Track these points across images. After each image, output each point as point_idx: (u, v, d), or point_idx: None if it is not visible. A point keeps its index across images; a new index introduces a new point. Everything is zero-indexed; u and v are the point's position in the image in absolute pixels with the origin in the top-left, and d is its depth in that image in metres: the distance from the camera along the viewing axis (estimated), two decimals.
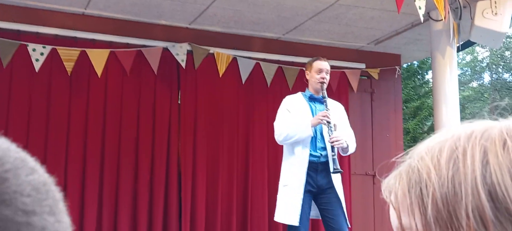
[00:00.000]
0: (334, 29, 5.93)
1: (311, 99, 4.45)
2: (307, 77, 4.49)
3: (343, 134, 4.27)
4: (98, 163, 5.39)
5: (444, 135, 0.63)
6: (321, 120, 4.22)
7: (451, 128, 0.65)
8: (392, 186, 0.64)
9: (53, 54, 5.25)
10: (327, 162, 4.28)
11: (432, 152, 0.61)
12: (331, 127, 4.19)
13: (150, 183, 5.53)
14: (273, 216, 5.84)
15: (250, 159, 5.93)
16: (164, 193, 5.56)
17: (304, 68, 4.63)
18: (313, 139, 4.31)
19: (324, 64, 4.41)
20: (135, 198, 5.48)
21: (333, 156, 4.19)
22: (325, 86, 4.37)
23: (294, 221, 4.14)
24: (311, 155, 4.27)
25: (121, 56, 5.46)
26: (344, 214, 4.27)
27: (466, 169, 0.57)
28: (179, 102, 5.82)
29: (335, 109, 4.43)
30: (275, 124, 4.38)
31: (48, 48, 5.21)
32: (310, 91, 4.47)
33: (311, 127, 4.21)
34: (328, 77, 4.42)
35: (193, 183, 5.68)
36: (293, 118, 4.29)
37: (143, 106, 5.61)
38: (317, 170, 4.27)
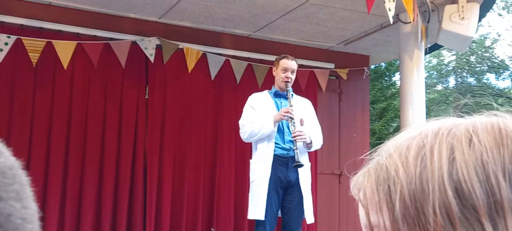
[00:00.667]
0: (305, 29, 5.95)
1: (277, 95, 4.50)
2: (274, 73, 4.55)
3: (309, 129, 4.33)
4: (62, 157, 5.29)
5: (412, 132, 0.63)
6: (283, 115, 4.28)
7: (418, 125, 0.65)
8: (361, 183, 0.64)
9: (18, 45, 5.12)
10: (294, 157, 4.31)
11: (400, 149, 0.61)
12: (294, 123, 4.24)
13: (115, 178, 5.45)
14: (239, 213, 5.87)
15: (218, 156, 5.90)
16: (129, 188, 5.49)
17: (273, 66, 4.64)
18: (282, 134, 4.35)
19: (290, 64, 4.44)
20: (99, 194, 5.39)
21: (295, 150, 4.22)
22: (289, 85, 4.41)
23: (260, 215, 4.18)
24: (280, 148, 4.31)
25: (88, 49, 5.36)
26: (303, 215, 4.31)
27: (433, 166, 0.57)
28: (146, 97, 5.75)
29: (302, 105, 4.48)
30: (240, 123, 4.44)
31: (13, 38, 5.08)
32: (275, 88, 4.52)
33: (274, 122, 4.26)
34: (293, 76, 4.47)
35: (159, 179, 5.62)
36: (256, 115, 4.34)
37: (110, 100, 5.52)
38: (288, 164, 4.30)
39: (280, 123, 4.33)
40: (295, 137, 4.20)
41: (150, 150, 5.64)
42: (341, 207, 6.45)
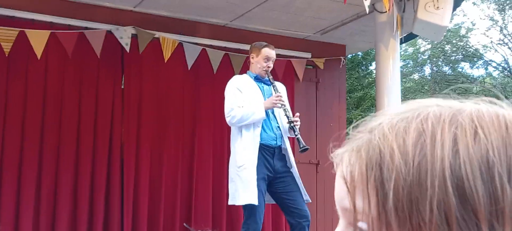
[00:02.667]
0: (282, 18, 5.94)
1: (257, 80, 4.44)
2: (252, 60, 4.46)
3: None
4: (37, 149, 5.22)
5: (409, 110, 0.56)
6: (275, 103, 4.23)
7: (414, 102, 0.58)
8: (348, 162, 0.56)
9: None
10: (280, 147, 4.28)
11: (396, 130, 0.54)
12: (286, 109, 4.22)
13: (91, 170, 5.40)
14: (217, 204, 5.85)
15: (195, 146, 5.88)
16: (105, 180, 5.45)
17: (249, 59, 4.56)
18: (267, 121, 4.30)
19: (272, 53, 4.42)
20: (75, 186, 5.33)
21: (297, 135, 4.18)
22: (269, 72, 4.40)
23: (253, 199, 4.06)
24: (267, 137, 4.25)
25: (62, 38, 5.27)
26: (302, 195, 4.29)
27: (434, 157, 0.51)
28: (122, 87, 5.70)
29: (282, 92, 4.44)
30: (227, 106, 4.28)
31: None
32: (254, 73, 4.45)
33: (264, 109, 4.21)
34: (272, 65, 4.45)
35: (136, 170, 5.58)
36: (245, 99, 4.25)
37: (85, 91, 5.46)
38: (274, 154, 4.26)
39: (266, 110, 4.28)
40: (294, 122, 4.19)
41: (127, 141, 5.59)
42: (319, 196, 6.48)
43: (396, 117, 0.55)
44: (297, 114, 4.32)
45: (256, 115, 4.17)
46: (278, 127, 4.32)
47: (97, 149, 5.44)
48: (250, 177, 4.12)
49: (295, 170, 4.33)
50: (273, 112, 4.35)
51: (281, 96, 4.26)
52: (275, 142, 4.27)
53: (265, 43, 4.51)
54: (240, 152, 4.24)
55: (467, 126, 0.53)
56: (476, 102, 0.56)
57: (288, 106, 4.32)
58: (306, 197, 4.34)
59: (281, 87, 4.53)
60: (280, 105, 4.24)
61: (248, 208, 4.14)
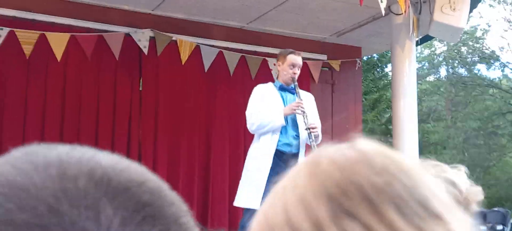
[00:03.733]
0: (297, 20, 5.97)
1: (282, 89, 4.44)
2: (279, 68, 4.47)
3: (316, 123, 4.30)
4: None
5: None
6: (295, 109, 4.23)
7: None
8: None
9: (11, 37, 5.11)
10: (297, 154, 4.27)
11: None
12: (306, 116, 4.22)
13: None
14: (233, 209, 5.89)
15: (211, 148, 5.93)
16: None
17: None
18: (285, 128, 4.30)
19: (298, 60, 4.41)
20: None
21: (311, 142, 4.17)
22: (295, 80, 4.39)
23: (255, 204, 4.07)
24: (284, 144, 4.26)
25: (81, 41, 5.36)
26: None
27: None
28: (140, 89, 5.77)
29: (307, 101, 4.44)
30: (247, 113, 4.34)
31: (6, 30, 5.07)
32: (280, 81, 4.46)
33: (284, 115, 4.22)
34: (299, 72, 4.43)
35: (153, 170, 5.56)
36: (265, 107, 4.27)
37: (103, 93, 5.53)
38: (287, 161, 4.23)
39: (286, 117, 4.28)
40: (311, 129, 4.17)
41: (144, 142, 5.66)
42: None
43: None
44: (315, 124, 4.27)
45: (275, 122, 4.20)
46: (297, 135, 4.32)
47: (115, 150, 5.47)
48: (256, 180, 4.14)
49: None
50: (295, 121, 4.34)
51: (302, 103, 4.25)
52: (290, 149, 4.28)
53: (291, 50, 4.52)
54: (252, 156, 4.30)
55: None
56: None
57: (309, 113, 4.28)
58: None
59: (307, 96, 4.52)
60: (300, 111, 4.23)
61: (252, 212, 4.14)
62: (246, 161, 4.42)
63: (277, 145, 4.24)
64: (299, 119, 4.33)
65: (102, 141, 5.46)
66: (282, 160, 4.23)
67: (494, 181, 28.44)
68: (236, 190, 5.84)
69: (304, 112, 4.23)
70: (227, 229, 5.89)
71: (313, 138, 4.18)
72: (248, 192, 4.20)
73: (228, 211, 5.89)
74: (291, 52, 4.44)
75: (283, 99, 4.39)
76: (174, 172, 5.73)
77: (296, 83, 4.38)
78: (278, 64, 4.49)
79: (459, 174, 1.21)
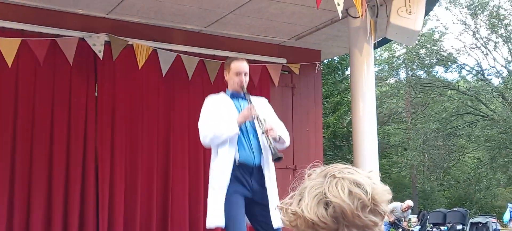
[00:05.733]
0: (256, 24, 5.94)
1: (234, 96, 4.27)
2: (226, 78, 4.29)
3: (275, 126, 4.13)
4: (8, 158, 5.11)
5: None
6: (247, 115, 4.06)
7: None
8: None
9: None
10: (260, 165, 4.10)
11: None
12: (260, 120, 4.09)
13: (65, 179, 5.31)
14: (194, 212, 5.80)
15: (170, 154, 5.83)
16: (80, 190, 5.35)
17: (225, 77, 4.46)
18: (247, 139, 4.14)
19: (242, 66, 4.21)
20: (49, 196, 5.23)
21: (270, 145, 3.98)
22: (245, 87, 4.21)
23: (220, 221, 3.94)
24: (246, 156, 4.07)
25: (33, 46, 5.19)
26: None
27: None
28: (96, 94, 5.63)
29: (260, 105, 4.25)
30: (200, 125, 4.13)
31: None
32: (230, 90, 4.28)
33: (239, 124, 4.04)
34: (247, 78, 4.24)
35: (111, 179, 5.50)
36: (218, 117, 4.08)
37: (58, 99, 5.37)
38: (252, 173, 4.08)
39: (243, 126, 4.10)
40: (267, 131, 3.99)
41: (101, 149, 5.52)
42: None
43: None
44: (271, 125, 4.12)
45: (229, 131, 4.01)
46: (258, 144, 4.15)
47: (70, 157, 5.36)
48: (219, 197, 3.98)
49: (272, 189, 4.12)
50: (253, 130, 4.17)
51: (253, 107, 4.08)
52: (253, 161, 4.09)
53: (234, 58, 4.36)
54: (212, 173, 4.11)
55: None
56: None
57: (263, 117, 4.11)
58: (278, 224, 4.22)
59: (259, 100, 4.33)
60: (253, 116, 4.06)
61: (226, 226, 4.04)
62: (210, 177, 4.17)
63: (239, 157, 4.07)
64: (255, 124, 4.21)
65: (57, 148, 5.30)
66: (245, 172, 4.06)
67: (453, 181, 29.04)
68: (197, 195, 5.80)
69: (257, 117, 4.06)
70: None
71: (271, 140, 4.06)
72: (214, 210, 4.02)
73: (188, 221, 5.80)
74: (234, 59, 4.28)
75: (237, 107, 4.20)
76: (133, 178, 5.61)
77: (246, 90, 4.20)
78: (225, 74, 4.30)
79: (368, 175, 1.19)
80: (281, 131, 4.18)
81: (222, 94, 4.31)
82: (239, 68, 4.19)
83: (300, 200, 1.19)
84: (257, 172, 4.09)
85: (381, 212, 1.16)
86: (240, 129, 4.09)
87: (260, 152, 4.12)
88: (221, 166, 4.05)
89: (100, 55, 5.44)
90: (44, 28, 5.32)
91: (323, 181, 1.18)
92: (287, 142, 4.24)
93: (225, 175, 4.00)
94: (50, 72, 5.35)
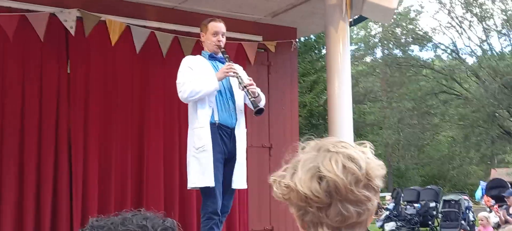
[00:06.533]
0: (231, 0, 5.87)
1: (212, 58, 4.32)
2: (203, 39, 4.36)
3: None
4: None
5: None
6: (227, 72, 4.12)
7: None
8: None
9: None
10: (235, 127, 4.19)
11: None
12: (239, 76, 4.12)
13: (37, 157, 5.21)
14: (169, 187, 5.77)
15: (144, 130, 5.76)
16: (53, 169, 5.27)
17: (200, 39, 4.49)
18: (225, 100, 4.20)
19: (220, 26, 4.28)
20: (20, 175, 5.14)
21: (250, 99, 4.07)
22: (222, 46, 4.27)
23: (210, 181, 3.99)
24: (225, 118, 4.15)
25: (2, 21, 5.05)
26: (232, 185, 4.22)
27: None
28: (68, 72, 5.51)
29: (238, 68, 4.33)
30: (178, 81, 4.16)
31: None
32: (207, 51, 4.34)
33: (218, 80, 4.09)
34: (224, 39, 4.31)
35: (84, 157, 5.42)
36: (197, 75, 4.12)
37: (28, 76, 5.25)
38: (231, 135, 4.17)
39: (221, 86, 4.15)
40: (247, 86, 4.07)
41: (74, 127, 5.43)
42: None
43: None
44: (250, 78, 4.21)
45: (209, 85, 4.05)
46: (235, 106, 4.23)
47: (43, 136, 5.26)
48: (207, 158, 4.03)
49: (242, 152, 4.25)
50: (230, 92, 4.24)
51: (232, 65, 4.15)
52: (231, 122, 4.18)
53: (210, 18, 4.40)
54: (198, 133, 4.12)
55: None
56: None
57: (242, 75, 4.19)
58: (243, 185, 4.30)
59: (237, 66, 4.40)
60: (232, 73, 4.12)
61: (206, 190, 4.07)
62: (190, 138, 4.21)
63: (219, 118, 4.13)
64: (234, 86, 4.24)
65: (29, 127, 5.20)
66: (224, 134, 4.14)
67: (427, 160, 29.48)
68: (172, 172, 5.76)
69: (236, 73, 4.12)
70: (163, 214, 5.76)
71: (251, 94, 4.10)
72: (203, 170, 4.05)
73: (163, 195, 5.77)
74: (211, 20, 4.33)
75: (214, 68, 4.25)
76: (107, 157, 5.54)
77: (224, 49, 4.27)
78: (201, 35, 4.37)
79: (363, 150, 1.17)
80: (258, 89, 4.26)
81: (198, 56, 4.36)
82: (217, 28, 4.26)
83: (293, 173, 1.18)
84: (233, 135, 4.17)
85: (374, 187, 1.16)
86: (218, 91, 4.12)
87: (236, 113, 4.17)
88: (203, 125, 4.09)
89: (72, 32, 5.32)
90: (13, 3, 5.18)
91: (317, 155, 1.17)
92: (263, 101, 4.33)
93: (207, 134, 4.04)
94: (20, 48, 5.22)
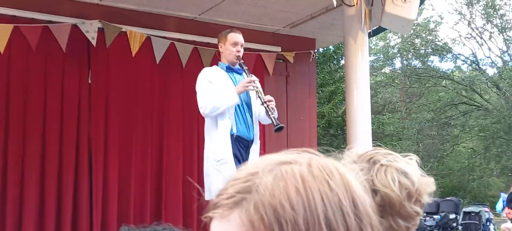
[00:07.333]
0: (250, 11, 5.91)
1: (229, 70, 4.33)
2: (221, 50, 4.35)
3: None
4: (1, 146, 5.08)
5: (275, 165, 0.74)
6: (247, 86, 4.13)
7: (272, 157, 0.77)
8: (240, 222, 0.71)
9: None
10: (253, 140, 4.20)
11: (280, 189, 0.71)
12: (259, 91, 4.13)
13: (58, 167, 5.28)
14: (188, 198, 5.80)
15: (164, 141, 5.81)
16: (73, 177, 5.34)
17: (219, 49, 4.50)
18: (243, 113, 4.21)
19: (239, 37, 4.30)
20: (42, 184, 5.21)
21: (271, 115, 4.07)
22: (240, 57, 4.28)
23: None
24: (243, 130, 4.16)
25: (26, 32, 5.15)
26: None
27: (311, 208, 0.70)
28: (89, 82, 5.59)
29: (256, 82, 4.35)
30: (199, 96, 4.17)
31: None
32: (225, 63, 4.34)
33: (237, 93, 4.10)
34: (242, 51, 4.32)
35: (104, 167, 5.49)
36: (216, 88, 4.13)
37: (51, 86, 5.34)
38: (248, 147, 4.18)
39: (239, 99, 4.16)
40: (267, 102, 4.07)
41: (95, 136, 5.50)
42: None
43: (270, 175, 0.71)
44: (269, 96, 4.21)
45: (229, 100, 4.06)
46: (252, 120, 4.25)
47: (64, 145, 5.33)
48: (229, 171, 4.01)
49: None
50: (248, 105, 4.25)
51: (253, 79, 4.16)
52: (248, 135, 4.20)
53: (230, 28, 4.42)
54: (219, 145, 4.12)
55: (322, 179, 0.71)
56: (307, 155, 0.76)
57: (261, 90, 4.20)
58: None
59: (256, 79, 4.41)
60: (252, 87, 4.14)
61: None
62: (208, 150, 4.21)
63: (237, 131, 4.13)
64: (252, 99, 4.25)
65: (50, 136, 5.28)
66: (241, 147, 4.15)
67: (447, 171, 29.17)
68: (191, 183, 5.78)
69: (257, 87, 4.13)
70: (182, 225, 5.80)
71: (271, 109, 4.11)
72: (223, 184, 4.04)
73: (182, 207, 5.80)
74: (230, 31, 4.35)
75: (232, 80, 4.27)
76: (127, 167, 5.60)
77: (243, 61, 4.27)
78: (220, 46, 4.37)
79: (411, 164, 1.18)
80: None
81: (216, 68, 4.37)
82: (236, 39, 4.27)
83: None
84: (250, 146, 4.18)
85: (423, 202, 1.16)
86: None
87: (253, 127, 4.18)
88: (223, 138, 4.09)
89: (93, 42, 5.40)
90: (37, 15, 5.28)
91: (369, 167, 1.17)
92: (276, 115, 4.28)
93: (228, 146, 4.05)
94: (43, 59, 5.31)
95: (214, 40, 6.03)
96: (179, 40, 5.94)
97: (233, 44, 4.27)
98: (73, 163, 5.36)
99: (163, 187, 5.75)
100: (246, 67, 4.29)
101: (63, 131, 5.35)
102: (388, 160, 1.16)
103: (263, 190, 0.70)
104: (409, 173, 1.14)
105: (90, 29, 5.39)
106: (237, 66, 4.33)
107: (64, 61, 5.39)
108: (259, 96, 4.14)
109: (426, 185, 1.15)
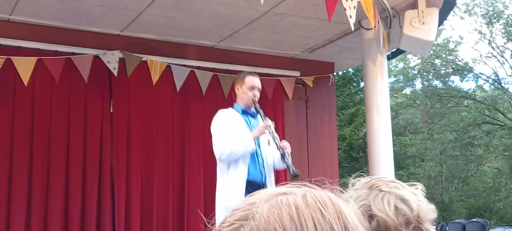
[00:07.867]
0: (269, 37, 5.96)
1: (244, 113, 4.29)
2: (238, 92, 4.32)
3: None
4: (25, 175, 5.16)
5: (272, 198, 0.77)
6: (263, 131, 4.09)
7: (267, 193, 0.81)
8: None
9: None
10: (266, 184, 4.14)
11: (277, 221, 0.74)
12: (275, 137, 4.07)
13: (82, 196, 5.34)
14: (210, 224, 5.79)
15: (186, 169, 5.84)
16: (96, 205, 5.38)
17: (235, 91, 4.46)
18: (255, 158, 4.15)
19: (256, 81, 4.28)
20: (66, 212, 5.26)
21: (287, 161, 4.01)
22: (256, 101, 4.26)
23: None
24: (254, 174, 4.11)
25: (49, 64, 5.26)
26: None
27: None
28: (111, 111, 5.67)
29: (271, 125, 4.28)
30: (215, 140, 4.12)
31: None
32: (240, 105, 4.31)
33: (253, 139, 4.06)
34: (259, 94, 4.30)
35: (127, 196, 5.52)
36: (232, 133, 4.08)
37: (74, 116, 5.42)
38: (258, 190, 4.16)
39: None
40: (283, 149, 4.02)
41: (117, 165, 5.55)
42: None
43: (266, 204, 0.75)
44: (286, 142, 4.17)
45: (246, 147, 4.01)
46: (263, 163, 4.19)
47: (86, 174, 5.39)
48: None
49: None
50: (259, 148, 4.21)
51: (269, 126, 4.11)
52: (261, 179, 4.14)
53: (248, 72, 4.40)
54: (223, 191, 4.09)
55: (315, 208, 0.73)
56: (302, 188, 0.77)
57: (277, 135, 4.15)
58: None
59: (271, 122, 4.32)
60: (268, 132, 4.09)
61: None
62: (219, 194, 4.18)
63: (248, 175, 4.07)
64: (264, 145, 4.21)
65: (73, 165, 5.34)
66: (253, 191, 4.10)
67: (472, 192, 28.69)
68: (212, 210, 5.78)
69: (273, 132, 4.08)
70: None
71: (287, 155, 4.07)
72: None
73: None
74: (248, 74, 4.32)
75: (247, 123, 4.23)
76: (148, 194, 5.63)
77: (258, 104, 4.23)
78: (236, 88, 4.33)
79: (416, 192, 1.17)
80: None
81: (231, 110, 4.31)
82: (254, 83, 4.24)
83: None
84: (260, 189, 4.11)
85: (424, 229, 1.16)
86: None
87: (265, 171, 4.15)
88: (234, 186, 4.04)
89: (115, 72, 5.49)
90: (59, 47, 5.39)
91: (368, 193, 1.18)
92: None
93: (240, 194, 3.95)
94: (66, 90, 5.40)
95: (233, 67, 6.11)
96: (199, 67, 6.00)
97: (250, 88, 4.24)
98: (96, 192, 5.40)
99: (185, 214, 5.76)
100: (262, 111, 4.25)
101: (86, 160, 5.41)
102: (389, 187, 1.17)
103: (259, 217, 0.73)
104: (408, 199, 1.14)
105: (112, 59, 5.49)
106: (252, 109, 4.30)
107: (86, 91, 5.48)
108: (275, 142, 4.08)
109: (427, 212, 1.15)
